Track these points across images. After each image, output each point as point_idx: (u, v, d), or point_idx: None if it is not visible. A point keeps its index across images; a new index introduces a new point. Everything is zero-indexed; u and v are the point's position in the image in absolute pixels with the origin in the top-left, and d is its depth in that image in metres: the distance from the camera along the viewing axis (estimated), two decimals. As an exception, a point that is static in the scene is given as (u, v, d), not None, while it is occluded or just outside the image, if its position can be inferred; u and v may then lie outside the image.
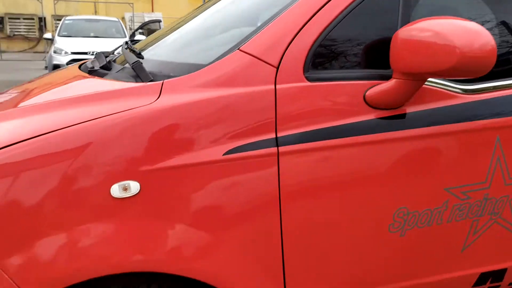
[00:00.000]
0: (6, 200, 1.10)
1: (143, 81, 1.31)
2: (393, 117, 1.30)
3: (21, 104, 1.38)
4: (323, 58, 1.29)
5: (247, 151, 1.21)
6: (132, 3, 18.10)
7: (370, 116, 1.29)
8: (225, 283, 1.25)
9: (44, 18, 18.20)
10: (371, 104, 1.28)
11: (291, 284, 1.32)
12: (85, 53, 8.90)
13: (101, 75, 1.50)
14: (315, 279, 1.34)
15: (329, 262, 1.33)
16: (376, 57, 1.32)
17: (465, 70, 1.15)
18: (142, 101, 1.21)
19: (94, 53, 1.77)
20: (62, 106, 1.26)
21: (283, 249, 1.28)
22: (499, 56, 1.38)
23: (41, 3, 17.39)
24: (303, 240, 1.29)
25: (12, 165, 1.11)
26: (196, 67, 1.28)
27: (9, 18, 18.26)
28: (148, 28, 14.27)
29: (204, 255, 1.22)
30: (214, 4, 1.78)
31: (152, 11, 19.18)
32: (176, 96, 1.22)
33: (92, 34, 10.20)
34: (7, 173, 1.11)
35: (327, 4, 1.29)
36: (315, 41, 1.27)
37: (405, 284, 1.41)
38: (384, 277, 1.40)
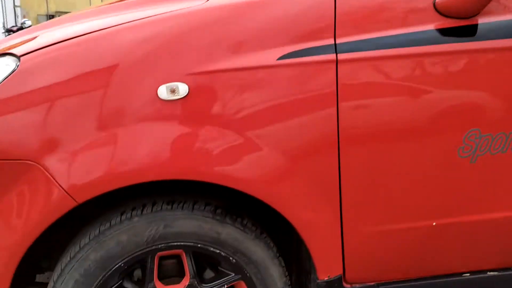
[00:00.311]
0: (52, 97, 1.06)
1: None
2: (465, 27, 1.17)
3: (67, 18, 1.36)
4: None
5: (302, 56, 1.11)
6: None
7: (440, 24, 1.16)
8: (281, 202, 1.16)
9: (92, 16, 18.84)
10: (442, 12, 1.15)
11: (348, 213, 1.20)
12: None
13: None
14: (373, 209, 1.22)
15: (388, 189, 1.21)
16: None
17: None
18: (191, 3, 1.14)
19: None
20: (110, 11, 1.24)
21: (340, 163, 1.16)
22: None
23: (90, 0, 17.98)
24: (360, 153, 1.17)
25: (60, 59, 1.07)
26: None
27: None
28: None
29: (259, 170, 1.12)
30: None
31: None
32: None
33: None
34: (54, 68, 1.07)
35: None
36: None
37: (473, 218, 1.26)
38: (451, 209, 1.25)
